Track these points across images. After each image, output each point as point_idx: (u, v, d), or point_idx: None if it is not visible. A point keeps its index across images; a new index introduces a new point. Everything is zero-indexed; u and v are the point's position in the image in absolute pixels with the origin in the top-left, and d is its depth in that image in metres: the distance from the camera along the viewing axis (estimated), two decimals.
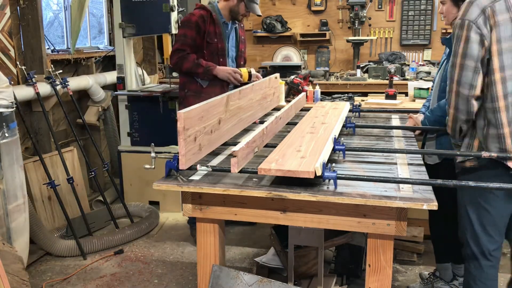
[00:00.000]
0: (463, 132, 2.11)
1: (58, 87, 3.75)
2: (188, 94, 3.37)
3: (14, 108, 2.92)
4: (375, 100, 3.88)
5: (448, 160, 2.53)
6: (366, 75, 5.28)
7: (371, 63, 5.42)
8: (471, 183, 1.78)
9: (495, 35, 1.93)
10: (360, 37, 5.64)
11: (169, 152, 2.07)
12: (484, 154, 1.99)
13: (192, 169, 1.90)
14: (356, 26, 5.66)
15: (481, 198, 2.09)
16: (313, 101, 3.67)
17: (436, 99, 2.64)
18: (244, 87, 2.56)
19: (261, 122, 2.72)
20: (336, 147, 2.07)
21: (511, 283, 2.41)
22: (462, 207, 2.19)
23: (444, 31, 5.53)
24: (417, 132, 2.66)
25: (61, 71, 3.91)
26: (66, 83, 3.82)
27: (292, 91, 3.88)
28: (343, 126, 2.56)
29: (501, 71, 1.95)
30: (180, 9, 4.06)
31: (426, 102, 2.86)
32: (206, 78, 3.29)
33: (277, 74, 3.34)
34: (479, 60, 1.95)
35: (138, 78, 4.45)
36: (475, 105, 2.00)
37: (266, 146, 2.23)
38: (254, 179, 1.86)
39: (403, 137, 2.52)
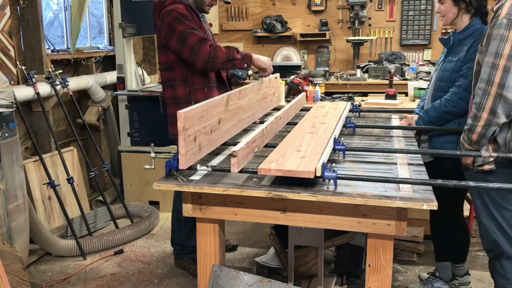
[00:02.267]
0: (493, 136, 2.04)
1: (58, 87, 3.75)
2: None
3: (14, 108, 2.92)
4: (375, 100, 3.88)
5: (440, 159, 2.53)
6: (366, 75, 5.28)
7: (371, 63, 5.42)
8: (471, 183, 1.79)
9: None
10: (360, 37, 5.63)
11: (169, 152, 2.07)
12: (485, 154, 1.99)
13: (192, 169, 1.90)
14: (356, 26, 5.66)
15: (502, 200, 2.08)
16: (313, 101, 3.67)
17: (431, 99, 2.65)
18: (244, 87, 2.56)
19: (261, 122, 2.72)
20: (336, 147, 2.07)
21: None
22: (485, 210, 2.14)
23: (444, 31, 5.53)
24: (414, 132, 2.66)
25: (61, 71, 3.91)
26: (66, 83, 3.82)
27: (292, 91, 3.88)
28: (343, 126, 2.56)
29: None
30: None
31: (420, 102, 2.86)
32: (243, 67, 2.77)
33: (277, 74, 3.34)
34: None
35: (138, 78, 4.46)
36: None
37: (266, 146, 2.23)
38: (254, 179, 1.86)
39: (403, 137, 2.52)
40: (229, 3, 3.17)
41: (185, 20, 2.68)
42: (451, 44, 2.59)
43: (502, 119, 1.96)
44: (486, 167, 2.07)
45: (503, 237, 2.11)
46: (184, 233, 3.07)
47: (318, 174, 1.71)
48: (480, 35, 2.42)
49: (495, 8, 2.04)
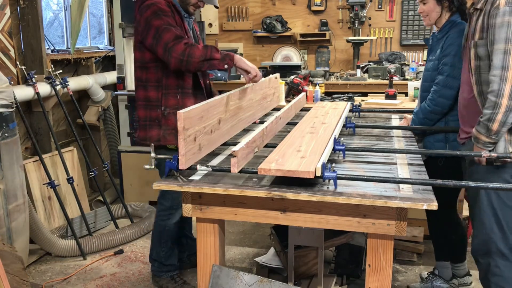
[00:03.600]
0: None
1: (58, 87, 3.75)
2: (167, 113, 2.59)
3: (14, 108, 2.92)
4: (375, 100, 3.88)
5: (433, 158, 2.54)
6: (366, 75, 5.28)
7: (371, 63, 5.42)
8: (471, 183, 1.78)
9: None
10: (360, 37, 5.63)
11: None
12: (485, 154, 1.99)
13: (192, 169, 1.90)
14: (356, 26, 5.65)
15: (506, 197, 2.08)
16: (313, 101, 3.67)
17: (420, 100, 2.68)
18: (244, 87, 2.56)
19: (261, 122, 2.72)
20: (336, 147, 2.07)
21: None
22: (489, 206, 2.13)
23: None
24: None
25: (61, 71, 3.91)
26: (66, 83, 3.82)
27: (292, 91, 3.88)
28: (343, 126, 2.56)
29: None
30: None
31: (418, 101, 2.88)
32: (223, 68, 2.46)
33: (277, 74, 3.34)
34: None
35: None
36: None
37: (266, 146, 2.23)
38: (254, 179, 1.86)
39: (403, 137, 2.52)
40: (217, 7, 2.94)
41: (163, 16, 2.46)
42: (431, 44, 2.61)
43: None
44: (509, 160, 2.03)
45: (500, 234, 2.11)
46: (165, 250, 2.88)
47: (318, 174, 1.71)
48: (455, 30, 2.45)
49: (479, 6, 2.09)
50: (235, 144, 2.05)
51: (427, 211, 2.73)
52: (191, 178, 1.90)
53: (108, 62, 4.88)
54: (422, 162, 2.07)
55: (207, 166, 1.90)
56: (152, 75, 2.61)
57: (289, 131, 2.36)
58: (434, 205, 1.61)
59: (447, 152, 2.31)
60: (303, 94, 3.45)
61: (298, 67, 5.27)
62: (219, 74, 2.54)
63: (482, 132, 2.05)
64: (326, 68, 5.68)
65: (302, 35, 5.84)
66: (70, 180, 3.59)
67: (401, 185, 1.77)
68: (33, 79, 3.49)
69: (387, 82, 4.41)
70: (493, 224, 2.12)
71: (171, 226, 2.83)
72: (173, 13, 2.54)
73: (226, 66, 2.43)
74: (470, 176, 2.22)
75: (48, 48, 4.10)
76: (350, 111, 3.03)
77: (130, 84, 4.24)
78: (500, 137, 2.04)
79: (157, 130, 2.61)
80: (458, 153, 2.13)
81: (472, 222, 2.26)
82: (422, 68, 4.92)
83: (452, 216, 2.73)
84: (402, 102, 3.79)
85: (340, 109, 2.89)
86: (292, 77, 3.93)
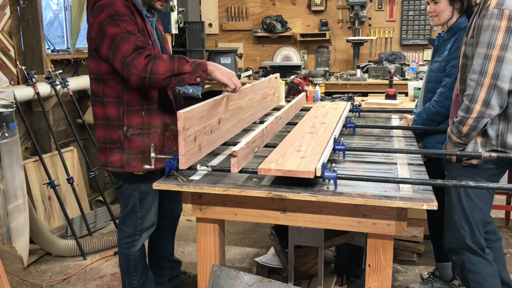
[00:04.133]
0: (483, 129, 2.02)
1: (58, 87, 3.75)
2: (130, 134, 2.18)
3: (14, 108, 2.92)
4: (375, 100, 3.88)
5: (433, 159, 2.54)
6: (366, 75, 5.28)
7: (371, 63, 5.42)
8: (471, 183, 1.78)
9: None
10: (360, 37, 5.64)
11: None
12: (485, 154, 1.99)
13: (192, 169, 1.90)
14: (356, 26, 5.66)
15: (474, 195, 2.12)
16: (313, 101, 3.67)
17: (422, 101, 2.66)
18: (244, 87, 2.56)
19: (261, 122, 2.72)
20: (336, 147, 2.07)
21: None
22: (458, 204, 2.18)
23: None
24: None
25: (61, 71, 3.91)
26: (66, 83, 3.82)
27: (292, 91, 3.88)
28: (343, 126, 2.56)
29: None
30: (180, 9, 4.06)
31: (417, 101, 2.88)
32: (195, 82, 2.06)
33: (277, 74, 3.34)
34: None
35: None
36: (508, 100, 1.95)
37: (266, 146, 2.23)
38: (254, 179, 1.87)
39: (403, 137, 2.52)
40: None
41: (120, 21, 2.03)
42: (437, 45, 2.61)
43: (496, 110, 1.94)
44: (474, 161, 2.08)
45: (469, 231, 2.15)
46: (136, 279, 2.48)
47: (318, 174, 1.71)
48: (462, 32, 2.45)
49: (478, 1, 2.06)
50: (235, 144, 2.05)
51: (427, 212, 2.74)
52: (191, 178, 1.90)
53: None
54: (422, 162, 2.07)
55: (207, 166, 1.90)
56: (110, 90, 2.18)
57: (289, 131, 2.36)
58: (434, 205, 1.62)
59: (447, 152, 2.31)
60: (303, 94, 3.45)
61: (298, 67, 5.27)
62: (190, 90, 2.06)
63: (454, 132, 2.08)
64: (326, 68, 5.68)
65: (302, 35, 5.85)
66: (70, 180, 3.59)
67: (401, 185, 1.77)
68: (33, 79, 3.49)
69: (387, 82, 4.41)
70: (462, 221, 2.16)
71: (136, 254, 2.43)
72: (133, 14, 2.12)
73: (198, 80, 2.04)
74: (445, 176, 2.27)
75: (48, 48, 4.10)
76: (350, 111, 3.03)
77: None
78: (469, 140, 2.07)
79: (120, 154, 2.19)
80: (458, 153, 2.13)
81: (444, 221, 2.29)
82: (422, 68, 4.93)
83: None
84: (402, 102, 3.79)
85: (340, 109, 2.89)
86: (292, 77, 3.93)
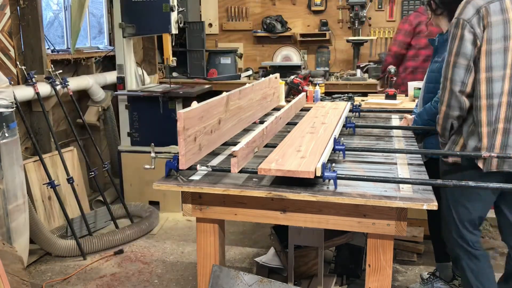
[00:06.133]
0: (453, 130, 2.15)
1: (58, 87, 3.75)
2: None
3: (14, 108, 2.92)
4: (375, 100, 3.88)
5: (434, 159, 2.54)
6: (366, 75, 5.28)
7: (371, 63, 5.42)
8: (471, 183, 1.79)
9: (487, 36, 1.98)
10: (360, 37, 5.63)
11: (169, 152, 2.07)
12: (485, 154, 1.99)
13: (192, 169, 1.90)
14: (356, 26, 5.65)
15: (461, 196, 2.17)
16: (313, 101, 3.67)
17: (422, 101, 2.67)
18: (244, 87, 2.56)
19: (261, 122, 2.72)
20: (336, 147, 2.07)
21: (503, 280, 2.43)
22: (445, 205, 2.26)
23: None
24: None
25: (61, 71, 3.90)
26: (66, 83, 3.82)
27: (292, 91, 3.88)
28: (343, 126, 2.56)
29: (487, 71, 2.00)
30: (180, 9, 4.05)
31: (417, 101, 2.87)
32: None
33: (277, 74, 3.34)
34: (472, 58, 2.01)
35: (138, 78, 4.45)
36: (466, 102, 2.06)
37: (266, 146, 2.23)
38: (254, 179, 1.87)
39: (403, 137, 2.52)
40: None
41: None
42: (437, 45, 2.61)
43: (456, 111, 2.08)
44: (450, 159, 2.17)
45: (456, 229, 2.23)
46: None
47: (318, 174, 1.71)
48: None
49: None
50: (235, 144, 2.05)
51: (428, 212, 2.74)
52: (191, 178, 1.90)
53: (108, 62, 4.87)
54: (422, 162, 2.08)
55: (207, 166, 1.90)
56: None
57: (289, 131, 2.36)
58: (434, 205, 1.62)
59: (447, 152, 2.30)
60: (303, 94, 3.45)
61: (298, 67, 5.27)
62: None
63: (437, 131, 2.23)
64: (326, 68, 5.68)
65: (302, 35, 5.85)
66: (70, 180, 3.59)
67: (401, 185, 1.77)
68: (33, 79, 3.49)
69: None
70: (451, 220, 2.24)
71: None
72: None
73: None
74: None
75: (48, 48, 4.10)
76: (350, 111, 3.03)
77: (130, 84, 4.25)
78: (446, 139, 2.20)
79: None
80: (458, 153, 2.13)
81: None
82: None
83: None
84: (402, 102, 3.79)
85: (340, 109, 2.89)
86: (292, 77, 3.93)
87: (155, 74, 5.37)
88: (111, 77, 4.60)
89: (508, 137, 2.03)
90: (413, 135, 2.56)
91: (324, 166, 1.73)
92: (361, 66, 5.37)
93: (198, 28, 5.48)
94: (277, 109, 3.08)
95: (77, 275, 3.19)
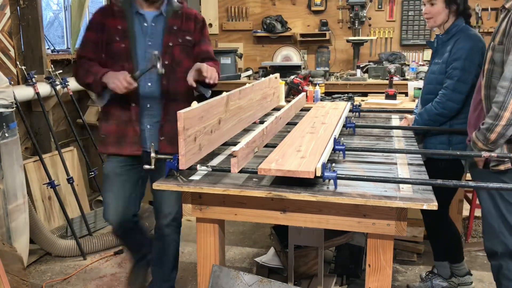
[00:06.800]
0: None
1: (58, 87, 3.75)
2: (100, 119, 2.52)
3: (14, 108, 2.92)
4: (375, 100, 3.88)
5: (433, 160, 2.54)
6: (366, 75, 5.28)
7: (371, 63, 5.43)
8: (471, 183, 1.79)
9: None
10: (360, 37, 5.64)
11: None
12: (485, 154, 1.99)
13: (192, 169, 1.90)
14: (356, 26, 5.66)
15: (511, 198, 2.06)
16: (313, 101, 3.67)
17: (422, 102, 2.67)
18: (244, 87, 2.56)
19: (261, 122, 2.72)
20: (336, 147, 2.07)
21: None
22: (495, 210, 2.10)
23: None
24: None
25: (61, 71, 3.91)
26: (66, 83, 3.82)
27: (292, 91, 3.88)
28: (343, 126, 2.56)
29: None
30: None
31: (417, 102, 2.87)
32: (101, 92, 2.33)
33: (277, 74, 3.34)
34: None
35: None
36: None
37: (266, 146, 2.23)
38: (254, 179, 1.86)
39: (403, 137, 2.52)
40: None
41: (86, 31, 2.41)
42: (436, 46, 2.60)
43: None
44: (502, 167, 2.02)
45: (509, 236, 2.08)
46: None
47: (318, 174, 1.70)
48: (461, 34, 2.44)
49: (508, 5, 1.96)
50: (235, 144, 2.05)
51: (422, 212, 2.74)
52: (191, 178, 1.90)
53: None
54: (422, 162, 2.07)
55: (207, 166, 1.90)
56: None
57: (289, 131, 2.36)
58: (434, 205, 1.61)
59: (447, 152, 2.31)
60: (303, 94, 3.45)
61: (298, 67, 5.27)
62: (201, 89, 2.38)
63: (480, 139, 2.02)
64: (326, 68, 5.68)
65: (302, 35, 5.85)
66: (70, 180, 3.59)
67: (401, 185, 1.77)
68: (33, 79, 3.49)
69: (387, 82, 4.41)
70: (501, 225, 2.09)
71: None
72: (106, 19, 2.35)
73: (101, 92, 2.33)
74: (472, 179, 2.22)
75: (48, 48, 4.09)
76: (350, 111, 3.03)
77: None
78: (496, 148, 2.01)
79: None
80: (458, 153, 2.13)
81: (482, 227, 2.24)
82: (422, 68, 4.93)
83: (442, 217, 2.72)
84: (402, 102, 3.79)
85: (340, 109, 2.89)
86: (292, 77, 3.93)
87: None
88: None
89: None
90: (413, 135, 2.56)
91: (324, 166, 1.73)
92: (361, 66, 5.37)
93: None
94: (277, 109, 3.08)
95: (77, 275, 3.19)
